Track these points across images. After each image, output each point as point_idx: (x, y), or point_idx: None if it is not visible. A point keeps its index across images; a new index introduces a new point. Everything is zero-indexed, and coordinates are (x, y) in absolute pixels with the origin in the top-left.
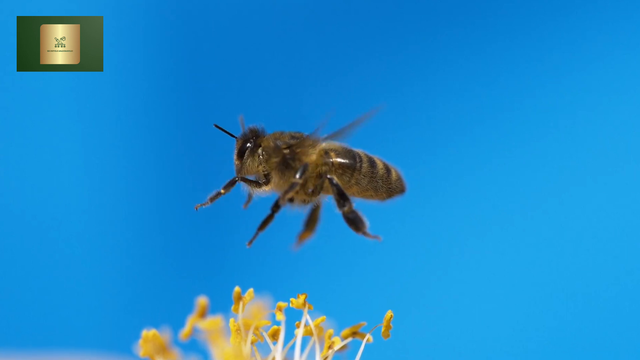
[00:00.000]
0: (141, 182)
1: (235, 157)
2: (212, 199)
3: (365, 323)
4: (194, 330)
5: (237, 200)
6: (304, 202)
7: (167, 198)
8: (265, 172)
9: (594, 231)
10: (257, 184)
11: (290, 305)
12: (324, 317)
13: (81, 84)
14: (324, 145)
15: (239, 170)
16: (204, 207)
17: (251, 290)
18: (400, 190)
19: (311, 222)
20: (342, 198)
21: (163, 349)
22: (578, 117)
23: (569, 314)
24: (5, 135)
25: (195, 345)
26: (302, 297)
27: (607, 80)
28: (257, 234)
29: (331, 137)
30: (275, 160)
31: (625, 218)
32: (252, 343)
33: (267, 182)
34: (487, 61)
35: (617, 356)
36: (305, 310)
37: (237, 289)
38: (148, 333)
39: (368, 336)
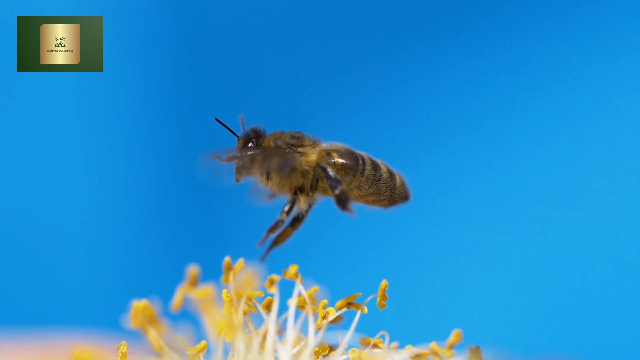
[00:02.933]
0: (141, 182)
1: None
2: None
3: (360, 294)
4: (185, 300)
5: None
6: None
7: (167, 198)
8: (267, 172)
9: (596, 230)
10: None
11: (283, 276)
12: (317, 287)
13: (81, 84)
14: (326, 146)
15: (240, 170)
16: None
17: (241, 260)
18: (404, 197)
19: (298, 221)
20: (334, 181)
21: (153, 320)
22: (581, 117)
23: (569, 311)
24: (5, 135)
25: (187, 316)
26: (293, 268)
27: (609, 81)
28: (267, 239)
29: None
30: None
31: (627, 219)
32: (245, 314)
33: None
34: (487, 62)
35: (616, 355)
36: (298, 281)
37: (227, 259)
38: (138, 304)
39: (363, 307)
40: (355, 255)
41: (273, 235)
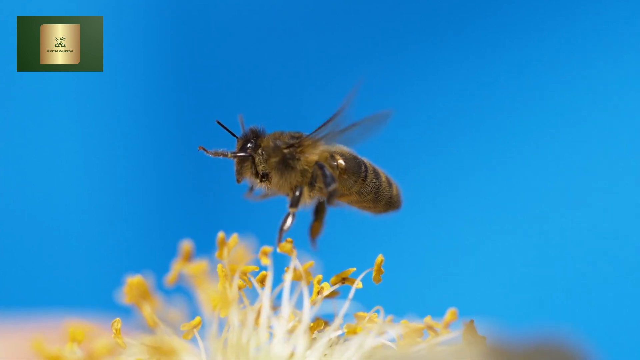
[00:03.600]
0: (140, 178)
1: None
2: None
3: (354, 269)
4: (180, 276)
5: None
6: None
7: (167, 198)
8: (266, 172)
9: (592, 215)
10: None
11: (278, 250)
12: (312, 262)
13: (81, 84)
14: (329, 147)
15: (239, 170)
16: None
17: (235, 235)
18: (397, 206)
19: (319, 212)
20: (329, 178)
21: (147, 296)
22: (581, 117)
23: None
24: (5, 135)
25: (181, 292)
26: (289, 242)
27: (609, 81)
28: (280, 234)
29: (329, 135)
30: (274, 160)
31: (625, 217)
32: (240, 288)
33: (267, 181)
34: (487, 62)
35: (610, 327)
36: (294, 255)
37: (220, 234)
38: (132, 280)
39: (358, 282)
40: (350, 230)
41: (286, 229)
